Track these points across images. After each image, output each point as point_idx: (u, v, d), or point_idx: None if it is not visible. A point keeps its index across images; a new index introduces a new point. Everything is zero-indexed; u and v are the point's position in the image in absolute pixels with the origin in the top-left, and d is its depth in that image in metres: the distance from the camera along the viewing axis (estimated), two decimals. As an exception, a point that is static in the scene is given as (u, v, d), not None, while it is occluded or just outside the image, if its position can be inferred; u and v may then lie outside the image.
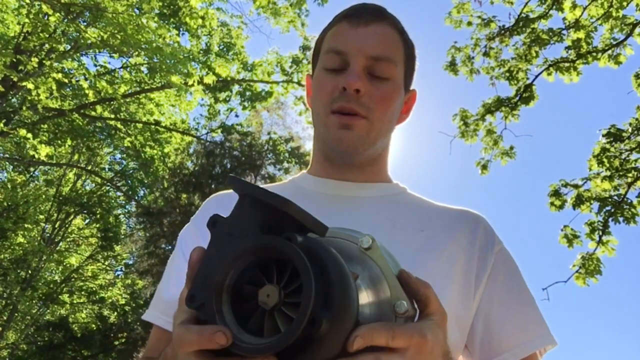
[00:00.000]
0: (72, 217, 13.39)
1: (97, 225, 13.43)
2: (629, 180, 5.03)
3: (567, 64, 5.62)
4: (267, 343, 0.43)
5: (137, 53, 8.16)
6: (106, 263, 14.39)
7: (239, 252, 0.46)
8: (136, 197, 13.48)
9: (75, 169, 12.73)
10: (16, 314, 12.06)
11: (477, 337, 0.81)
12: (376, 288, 0.54)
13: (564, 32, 5.64)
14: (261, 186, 0.53)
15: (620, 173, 5.08)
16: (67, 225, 13.44)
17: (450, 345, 0.73)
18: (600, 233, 5.07)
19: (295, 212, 0.48)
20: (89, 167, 12.76)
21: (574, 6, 5.53)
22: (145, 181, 13.00)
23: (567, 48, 5.66)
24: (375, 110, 0.85)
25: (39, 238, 12.36)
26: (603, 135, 5.24)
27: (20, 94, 8.82)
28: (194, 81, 8.06)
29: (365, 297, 0.51)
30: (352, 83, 0.82)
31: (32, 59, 7.08)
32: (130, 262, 14.68)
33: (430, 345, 0.51)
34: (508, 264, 0.86)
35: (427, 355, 0.51)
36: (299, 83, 10.14)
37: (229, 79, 10.09)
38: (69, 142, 11.06)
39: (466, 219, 0.88)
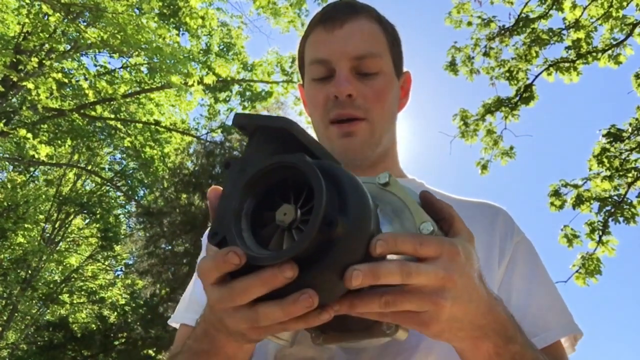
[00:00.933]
0: (72, 217, 13.39)
1: (97, 225, 13.43)
2: (629, 180, 5.03)
3: (567, 64, 5.62)
4: (283, 250, 0.43)
5: (137, 53, 8.16)
6: (106, 263, 14.39)
7: (252, 179, 0.47)
8: (136, 197, 13.48)
9: (75, 169, 12.73)
10: (16, 314, 12.06)
11: None
12: (399, 217, 0.54)
13: (564, 32, 5.64)
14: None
15: (620, 173, 5.08)
16: (67, 225, 13.44)
17: None
18: (600, 233, 5.07)
19: (299, 132, 0.49)
20: (89, 167, 12.76)
21: (574, 6, 5.53)
22: (145, 181, 12.99)
23: (567, 48, 5.66)
24: (372, 110, 0.84)
25: (39, 238, 12.36)
26: (603, 135, 5.24)
27: (20, 94, 8.82)
28: (194, 81, 8.06)
29: (389, 228, 0.51)
30: (342, 90, 0.81)
31: (32, 59, 7.08)
32: (130, 262, 14.68)
33: (463, 257, 0.50)
34: (528, 254, 0.84)
35: (461, 266, 0.49)
36: (301, 85, 10.13)
37: (229, 79, 10.09)
38: (69, 142, 11.06)
39: (486, 211, 0.87)
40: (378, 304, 0.47)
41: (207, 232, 0.91)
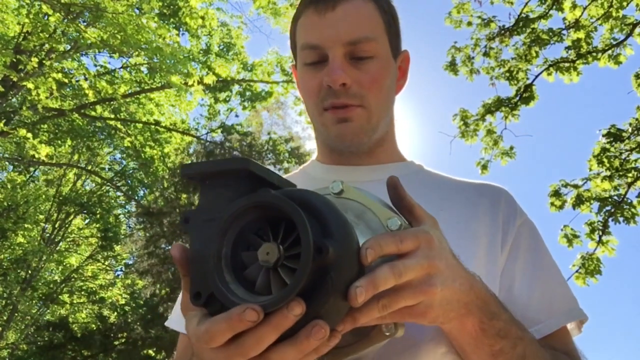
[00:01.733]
0: (72, 217, 13.38)
1: (97, 225, 13.43)
2: (629, 180, 5.03)
3: (567, 64, 5.62)
4: (285, 289, 0.42)
5: (137, 53, 8.16)
6: (106, 263, 14.39)
7: (223, 225, 0.45)
8: (136, 197, 13.47)
9: (75, 169, 12.73)
10: (16, 314, 12.06)
11: None
12: (364, 220, 0.54)
13: (564, 32, 5.64)
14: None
15: (620, 173, 5.08)
16: (67, 225, 13.44)
17: None
18: (600, 233, 5.06)
19: (256, 168, 0.48)
20: (89, 167, 12.76)
21: (574, 6, 5.53)
22: (145, 181, 12.99)
23: (567, 48, 5.66)
24: (368, 96, 0.80)
25: (39, 238, 12.36)
26: (603, 135, 5.24)
27: (20, 94, 8.82)
28: (194, 81, 8.06)
29: (358, 233, 0.50)
30: (335, 79, 0.77)
31: (32, 59, 7.08)
32: (130, 262, 14.68)
33: (437, 241, 0.52)
34: (531, 237, 0.81)
35: (438, 251, 0.52)
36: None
37: (229, 79, 10.09)
38: (69, 142, 11.07)
39: (487, 192, 0.84)
40: (377, 309, 0.48)
41: (178, 299, 0.83)
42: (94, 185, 13.83)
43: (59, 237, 13.29)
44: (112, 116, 10.17)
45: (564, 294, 0.79)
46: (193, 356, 0.55)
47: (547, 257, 0.81)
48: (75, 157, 12.77)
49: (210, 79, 8.46)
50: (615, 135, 5.16)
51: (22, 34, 8.15)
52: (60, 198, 12.78)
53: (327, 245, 0.42)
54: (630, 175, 5.04)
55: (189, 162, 12.18)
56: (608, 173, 5.13)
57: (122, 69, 10.04)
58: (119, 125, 10.08)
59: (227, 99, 11.04)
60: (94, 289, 13.84)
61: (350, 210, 0.55)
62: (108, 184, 13.28)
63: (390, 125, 0.89)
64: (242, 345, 0.43)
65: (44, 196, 12.21)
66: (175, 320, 0.87)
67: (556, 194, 5.42)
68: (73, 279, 13.68)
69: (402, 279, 0.47)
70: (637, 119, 5.21)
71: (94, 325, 12.99)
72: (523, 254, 0.78)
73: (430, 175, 0.89)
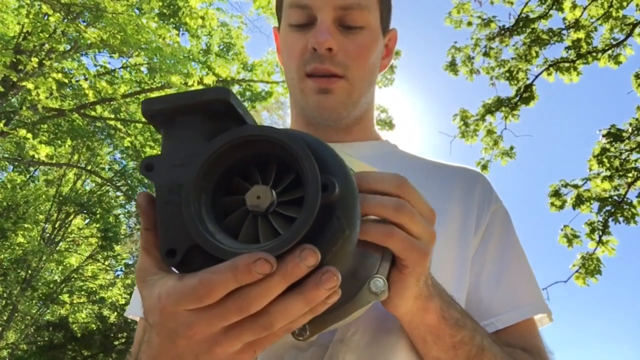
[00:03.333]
0: (72, 217, 13.38)
1: (97, 225, 13.42)
2: (629, 180, 5.03)
3: (567, 64, 5.63)
4: (291, 229, 0.35)
5: (137, 53, 8.16)
6: (106, 263, 14.38)
7: (202, 166, 0.38)
8: (136, 197, 13.46)
9: (75, 169, 12.73)
10: (16, 314, 12.05)
11: (467, 298, 0.73)
12: None
13: (564, 32, 5.64)
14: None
15: (620, 173, 5.08)
16: (67, 225, 13.43)
17: None
18: (600, 233, 5.07)
19: (238, 103, 0.41)
20: (89, 167, 12.75)
21: (574, 6, 5.53)
22: (145, 181, 12.99)
23: (567, 48, 5.67)
24: (353, 68, 0.76)
25: (39, 238, 12.35)
26: (603, 135, 5.24)
27: (20, 94, 8.81)
28: (194, 81, 8.05)
29: None
30: (322, 42, 0.73)
31: (32, 59, 7.07)
32: (130, 262, 14.68)
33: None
34: (504, 225, 0.79)
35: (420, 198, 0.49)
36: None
37: (229, 79, 10.08)
38: (69, 142, 11.06)
39: (463, 176, 0.82)
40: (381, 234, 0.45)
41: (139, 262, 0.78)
42: (93, 185, 13.83)
43: (59, 237, 13.29)
44: (112, 116, 10.17)
45: (530, 287, 0.77)
46: (151, 330, 0.42)
47: (517, 247, 0.79)
48: (75, 157, 12.76)
49: (210, 79, 8.46)
50: (615, 135, 5.16)
51: (22, 34, 8.15)
52: (60, 198, 12.77)
53: (334, 182, 0.37)
54: (630, 175, 5.04)
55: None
56: (608, 173, 5.13)
57: (122, 69, 10.04)
58: (119, 125, 10.07)
59: (227, 99, 11.05)
60: (94, 289, 13.84)
61: None
62: (108, 184, 13.27)
63: (369, 104, 0.85)
64: (246, 299, 0.35)
65: (44, 196, 12.21)
66: (137, 307, 0.78)
67: (556, 194, 5.42)
68: (73, 279, 13.67)
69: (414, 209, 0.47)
70: (637, 119, 5.21)
71: (94, 325, 13.00)
72: (495, 241, 0.76)
73: (404, 155, 0.87)
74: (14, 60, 7.14)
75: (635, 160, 5.13)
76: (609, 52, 5.51)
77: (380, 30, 0.81)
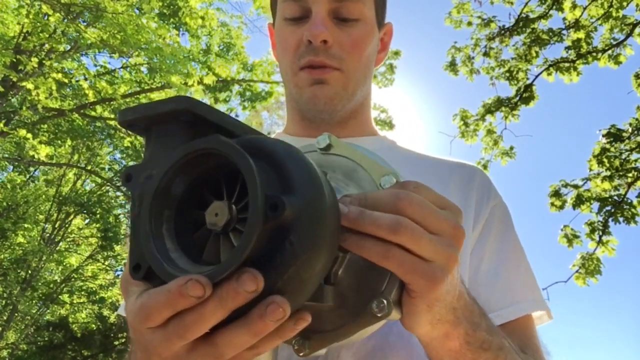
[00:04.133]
0: (72, 217, 13.38)
1: (97, 225, 13.42)
2: (629, 180, 5.03)
3: (567, 64, 5.63)
4: (230, 256, 0.33)
5: (137, 53, 8.16)
6: (106, 263, 14.38)
7: (161, 180, 0.37)
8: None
9: (75, 169, 12.73)
10: (16, 314, 12.05)
11: None
12: (353, 179, 0.46)
13: (564, 32, 5.65)
14: None
15: (620, 173, 5.08)
16: (67, 225, 13.44)
17: None
18: (600, 233, 5.07)
19: (205, 111, 0.38)
20: (89, 167, 12.75)
21: (574, 6, 5.53)
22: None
23: (567, 48, 5.67)
24: (348, 60, 0.75)
25: (39, 238, 12.36)
26: (603, 135, 5.24)
27: (20, 94, 8.82)
28: (194, 81, 8.05)
29: (347, 192, 0.44)
30: (317, 34, 0.72)
31: (32, 59, 7.07)
32: (130, 262, 14.67)
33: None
34: (503, 221, 0.77)
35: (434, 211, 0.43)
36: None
37: (229, 79, 10.08)
38: (69, 142, 11.06)
39: (461, 171, 0.80)
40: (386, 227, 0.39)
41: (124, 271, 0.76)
42: (93, 185, 13.83)
43: (59, 237, 13.29)
44: (112, 116, 10.17)
45: (529, 283, 0.76)
46: (131, 340, 0.43)
47: (516, 243, 0.78)
48: (75, 157, 12.76)
49: (210, 79, 8.46)
50: (615, 135, 5.16)
51: (22, 34, 8.15)
52: (60, 198, 12.78)
53: (283, 201, 0.33)
54: (630, 175, 5.04)
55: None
56: (608, 173, 5.13)
57: (122, 69, 10.04)
58: (119, 125, 10.07)
59: (227, 99, 11.04)
60: (94, 289, 13.84)
61: (338, 169, 0.47)
62: (108, 184, 13.28)
63: (366, 98, 0.84)
64: (182, 324, 0.34)
65: (44, 196, 12.21)
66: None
67: (556, 194, 5.42)
68: (73, 279, 13.68)
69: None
70: (637, 119, 5.21)
71: (94, 325, 13.00)
72: (493, 236, 0.75)
73: (402, 151, 0.85)
74: (14, 60, 7.14)
75: (635, 160, 5.13)
76: (609, 52, 5.51)
77: (376, 23, 0.80)
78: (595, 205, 5.17)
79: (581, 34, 5.57)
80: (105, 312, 13.51)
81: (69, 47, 8.65)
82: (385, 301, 0.42)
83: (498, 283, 0.72)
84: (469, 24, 5.96)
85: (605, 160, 5.17)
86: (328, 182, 0.39)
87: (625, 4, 5.35)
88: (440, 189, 0.73)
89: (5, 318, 11.59)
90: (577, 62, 5.59)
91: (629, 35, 5.43)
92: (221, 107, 11.54)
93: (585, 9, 5.51)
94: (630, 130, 5.18)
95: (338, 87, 0.76)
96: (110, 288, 13.99)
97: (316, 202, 0.36)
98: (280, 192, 0.35)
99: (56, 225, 13.14)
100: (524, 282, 0.75)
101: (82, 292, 13.93)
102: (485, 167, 5.95)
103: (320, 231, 0.35)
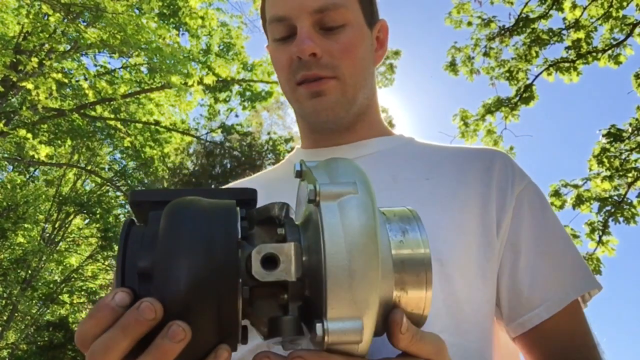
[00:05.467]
0: (72, 217, 13.38)
1: (97, 225, 13.42)
2: (629, 180, 5.03)
3: (567, 64, 5.63)
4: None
5: (137, 53, 8.16)
6: (106, 263, 14.38)
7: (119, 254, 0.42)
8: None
9: (75, 169, 12.73)
10: (16, 314, 12.05)
11: (504, 293, 0.68)
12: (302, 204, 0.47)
13: (564, 32, 5.64)
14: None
15: (620, 173, 5.08)
16: (67, 225, 13.43)
17: (478, 304, 0.66)
18: (600, 233, 5.07)
19: (138, 196, 0.45)
20: (89, 167, 12.76)
21: (574, 6, 5.53)
22: (145, 181, 12.99)
23: (567, 48, 5.67)
24: (342, 66, 0.75)
25: (39, 238, 12.36)
26: (603, 135, 5.24)
27: (20, 94, 8.82)
28: (193, 81, 8.06)
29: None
30: (304, 49, 0.73)
31: (32, 59, 7.07)
32: (130, 262, 14.66)
33: None
34: (534, 206, 0.73)
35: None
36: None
37: (229, 79, 10.08)
38: (69, 142, 11.06)
39: (480, 157, 0.77)
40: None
41: None
42: (93, 185, 13.83)
43: (59, 237, 13.29)
44: (112, 116, 10.17)
45: (576, 265, 0.72)
46: None
47: (554, 226, 0.74)
48: (75, 157, 12.76)
49: (210, 79, 8.46)
50: (615, 135, 5.16)
51: (22, 34, 8.15)
52: (60, 198, 12.77)
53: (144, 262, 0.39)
54: (630, 175, 5.04)
55: (189, 162, 12.19)
56: (608, 173, 5.13)
57: (122, 69, 10.04)
58: (119, 125, 10.07)
59: (227, 99, 11.04)
60: (94, 289, 13.84)
61: (302, 199, 0.50)
62: (108, 184, 13.28)
63: (371, 99, 0.83)
64: (91, 350, 0.38)
65: (44, 196, 12.21)
66: None
67: (556, 194, 5.42)
68: (73, 279, 13.68)
69: None
70: (637, 119, 5.21)
71: (94, 325, 12.99)
72: (527, 225, 0.71)
73: (419, 146, 0.84)
74: (14, 60, 7.13)
75: (635, 160, 5.13)
76: (609, 52, 5.51)
77: (365, 24, 0.80)
78: (595, 205, 5.17)
79: (581, 34, 5.57)
80: (105, 312, 13.52)
81: (69, 47, 8.65)
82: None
83: (539, 275, 0.69)
84: (469, 24, 5.96)
85: (605, 160, 5.17)
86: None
87: (625, 4, 5.35)
88: (458, 178, 0.74)
89: (5, 318, 11.59)
90: (577, 62, 5.59)
91: (629, 35, 5.43)
92: (221, 107, 11.54)
93: (585, 9, 5.51)
94: (630, 130, 5.18)
95: (337, 95, 0.76)
96: (110, 288, 13.99)
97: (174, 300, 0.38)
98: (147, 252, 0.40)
99: (56, 225, 13.14)
100: (568, 267, 0.71)
101: (82, 292, 13.92)
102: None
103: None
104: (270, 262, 0.40)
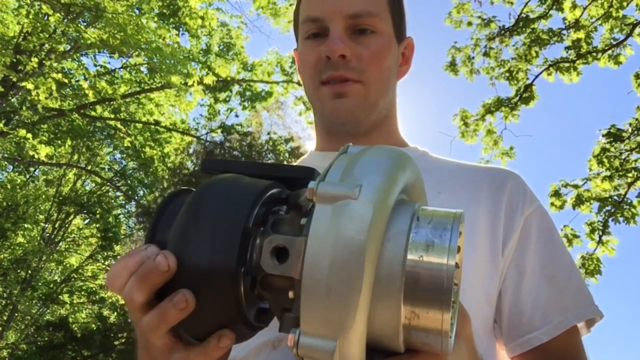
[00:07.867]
0: (72, 217, 13.38)
1: (97, 225, 13.42)
2: (629, 180, 5.03)
3: (567, 64, 5.62)
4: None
5: (137, 53, 8.16)
6: (106, 263, 14.38)
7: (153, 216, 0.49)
8: (136, 197, 13.47)
9: (75, 169, 12.73)
10: (16, 314, 12.05)
11: (505, 312, 0.70)
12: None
13: (564, 32, 5.64)
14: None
15: (620, 173, 5.08)
16: (67, 225, 13.43)
17: (480, 321, 0.67)
18: (600, 233, 5.07)
19: (212, 164, 0.50)
20: (89, 167, 12.75)
21: (574, 6, 5.53)
22: (145, 181, 12.99)
23: (567, 48, 5.66)
24: (367, 71, 0.77)
25: (39, 238, 12.36)
26: (603, 135, 5.24)
27: (20, 94, 8.81)
28: (193, 81, 8.05)
29: None
30: (334, 49, 0.75)
31: (32, 59, 7.07)
32: (130, 262, 14.64)
33: None
34: (542, 230, 0.74)
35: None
36: (299, 83, 10.13)
37: (229, 79, 10.08)
38: (69, 142, 11.06)
39: (492, 175, 0.78)
40: None
41: None
42: (93, 185, 13.83)
43: (59, 237, 13.29)
44: (112, 116, 10.16)
45: (578, 291, 0.72)
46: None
47: (560, 250, 0.74)
48: (75, 157, 12.76)
49: (210, 79, 8.46)
50: (615, 135, 5.16)
51: (22, 34, 8.14)
52: (60, 198, 12.77)
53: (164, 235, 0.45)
54: (630, 175, 5.04)
55: (189, 162, 12.19)
56: (608, 173, 5.13)
57: (122, 69, 10.04)
58: (119, 125, 10.07)
59: (227, 99, 11.04)
60: (94, 289, 13.84)
61: None
62: (108, 184, 13.27)
63: (390, 110, 0.85)
64: (123, 293, 0.46)
65: (44, 196, 12.21)
66: None
67: (556, 194, 5.42)
68: (73, 279, 13.67)
69: None
70: (637, 119, 5.21)
71: (94, 325, 12.99)
72: (533, 248, 0.72)
73: (433, 160, 0.85)
74: (14, 60, 7.13)
75: (635, 160, 5.13)
76: (609, 52, 5.50)
77: (394, 37, 0.82)
78: (595, 205, 5.17)
79: (581, 34, 5.56)
80: (105, 312, 13.50)
81: (69, 47, 8.65)
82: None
83: (541, 297, 0.70)
84: (469, 24, 5.96)
85: (605, 160, 5.17)
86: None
87: (625, 4, 5.34)
88: (469, 194, 0.74)
89: (5, 318, 11.59)
90: (577, 62, 5.59)
91: (629, 35, 5.43)
92: (221, 107, 11.54)
93: (585, 9, 5.51)
94: (630, 130, 5.17)
95: (359, 99, 0.77)
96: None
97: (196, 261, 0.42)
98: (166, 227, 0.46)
99: (56, 225, 13.14)
100: (570, 292, 0.72)
101: (82, 292, 13.92)
102: (485, 167, 5.95)
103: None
104: (281, 253, 0.38)
